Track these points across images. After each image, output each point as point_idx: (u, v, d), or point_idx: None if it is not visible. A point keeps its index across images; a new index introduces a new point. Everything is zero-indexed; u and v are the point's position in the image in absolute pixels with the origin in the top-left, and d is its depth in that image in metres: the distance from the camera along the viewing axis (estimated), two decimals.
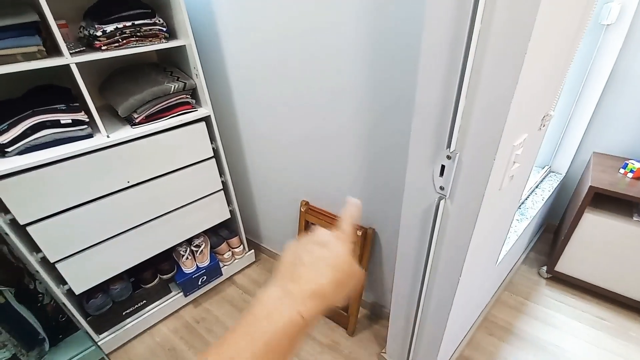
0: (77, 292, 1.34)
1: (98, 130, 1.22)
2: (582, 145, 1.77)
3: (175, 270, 1.67)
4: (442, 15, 0.63)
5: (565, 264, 1.67)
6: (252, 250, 1.98)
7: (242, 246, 1.91)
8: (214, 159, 1.56)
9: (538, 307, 1.65)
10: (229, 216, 1.77)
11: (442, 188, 0.81)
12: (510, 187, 0.91)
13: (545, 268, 1.78)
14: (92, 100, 1.16)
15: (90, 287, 1.38)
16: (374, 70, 1.03)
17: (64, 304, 1.31)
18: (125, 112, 1.28)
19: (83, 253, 1.30)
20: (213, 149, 1.55)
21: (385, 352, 1.41)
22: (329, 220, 1.46)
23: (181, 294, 1.69)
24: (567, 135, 1.77)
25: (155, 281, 1.61)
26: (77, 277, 1.33)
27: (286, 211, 1.71)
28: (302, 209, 1.52)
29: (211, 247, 1.81)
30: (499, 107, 0.63)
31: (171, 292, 1.70)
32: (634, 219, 1.45)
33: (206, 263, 1.70)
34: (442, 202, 0.82)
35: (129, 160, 1.30)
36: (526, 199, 1.68)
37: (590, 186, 1.44)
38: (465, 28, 0.60)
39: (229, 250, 1.86)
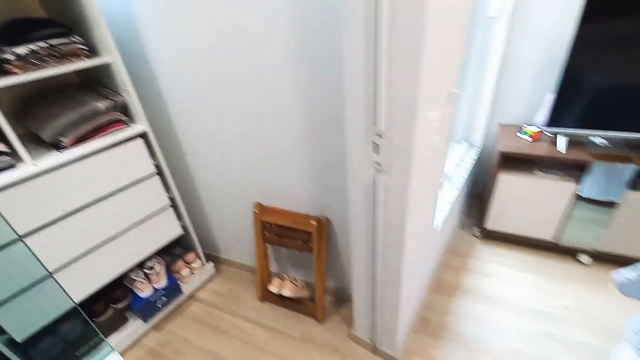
0: (19, 340, 1.22)
1: (21, 160, 1.14)
2: (491, 119, 2.06)
3: (129, 297, 1.59)
4: (355, 30, 0.73)
5: (492, 221, 1.93)
6: (212, 263, 1.95)
7: (199, 261, 1.87)
8: (157, 176, 1.53)
9: (476, 262, 1.89)
10: (182, 232, 1.73)
11: (378, 163, 0.92)
12: (433, 156, 1.06)
13: (477, 228, 2.03)
14: (12, 129, 1.07)
15: (33, 331, 1.26)
16: (305, 61, 1.11)
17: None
18: (51, 137, 1.20)
19: (20, 296, 1.19)
20: (155, 165, 1.51)
21: (354, 330, 1.51)
22: (286, 216, 1.51)
23: (140, 321, 1.61)
24: (478, 112, 2.05)
25: (109, 312, 1.52)
26: (16, 322, 1.20)
27: (240, 217, 1.73)
28: (256, 211, 1.55)
29: (166, 267, 1.75)
30: (409, 89, 0.76)
31: (128, 320, 1.61)
32: (536, 173, 1.74)
33: (164, 284, 1.64)
34: (379, 175, 0.93)
35: (62, 187, 1.23)
36: (454, 172, 1.91)
37: (499, 151, 1.69)
38: (373, 34, 0.72)
39: (186, 267, 1.81)
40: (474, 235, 2.08)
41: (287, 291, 1.61)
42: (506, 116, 2.01)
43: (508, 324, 1.54)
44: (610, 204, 1.60)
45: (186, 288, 1.81)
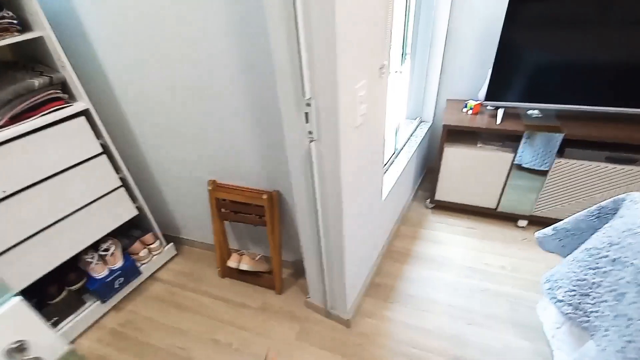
0: None
1: None
2: (440, 95, 2.16)
3: (84, 279, 1.58)
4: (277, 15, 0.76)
5: (441, 192, 2.06)
6: (172, 244, 1.96)
7: (158, 241, 1.88)
8: (104, 156, 1.50)
9: (427, 231, 2.02)
10: (136, 213, 1.72)
11: (310, 132, 0.97)
12: (368, 126, 1.12)
13: (428, 200, 2.16)
14: None
15: None
16: (245, 34, 1.13)
17: None
18: None
19: None
20: (101, 144, 1.48)
21: (309, 297, 1.59)
22: (239, 192, 1.54)
23: (98, 302, 1.62)
24: (428, 88, 2.14)
25: (63, 294, 1.51)
26: None
27: (197, 197, 1.74)
28: (209, 188, 1.57)
29: (123, 249, 1.75)
30: (329, 60, 0.80)
31: (85, 302, 1.61)
32: (478, 145, 1.86)
33: (120, 264, 1.65)
34: (312, 144, 0.98)
35: (1, 168, 1.19)
36: (403, 147, 2.00)
37: (444, 125, 1.79)
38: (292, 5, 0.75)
39: (144, 248, 1.82)
40: (425, 206, 2.21)
41: (245, 265, 1.66)
42: (454, 91, 2.11)
43: (450, 283, 1.68)
44: (542, 172, 1.75)
45: (145, 269, 1.82)
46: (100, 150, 1.48)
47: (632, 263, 0.87)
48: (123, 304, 1.73)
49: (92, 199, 1.50)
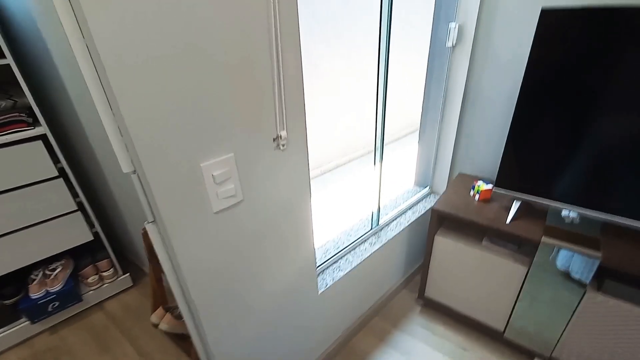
0: None
1: None
2: (454, 166, 1.73)
3: (20, 295, 1.59)
4: None
5: (433, 290, 1.59)
6: (127, 274, 1.90)
7: (112, 269, 1.83)
8: (61, 179, 1.52)
9: (404, 336, 1.56)
10: (92, 238, 1.70)
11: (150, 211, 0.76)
12: (255, 209, 0.86)
13: (418, 295, 1.70)
14: None
15: None
16: None
17: None
18: None
19: None
20: (59, 168, 1.50)
21: None
22: None
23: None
24: (440, 155, 1.74)
25: None
26: None
27: None
28: (142, 232, 1.45)
29: (76, 270, 1.74)
30: (125, 133, 0.60)
31: (20, 318, 1.61)
32: (483, 243, 1.39)
33: (58, 288, 1.62)
34: (150, 225, 0.77)
35: None
36: (391, 221, 1.62)
37: (433, 209, 1.39)
38: None
39: (96, 274, 1.78)
40: (415, 301, 1.75)
41: (165, 325, 1.46)
42: (467, 164, 1.66)
43: None
44: (575, 288, 1.20)
45: (92, 296, 1.77)
46: (55, 174, 1.50)
47: None
48: (60, 327, 1.70)
49: (41, 220, 1.52)
